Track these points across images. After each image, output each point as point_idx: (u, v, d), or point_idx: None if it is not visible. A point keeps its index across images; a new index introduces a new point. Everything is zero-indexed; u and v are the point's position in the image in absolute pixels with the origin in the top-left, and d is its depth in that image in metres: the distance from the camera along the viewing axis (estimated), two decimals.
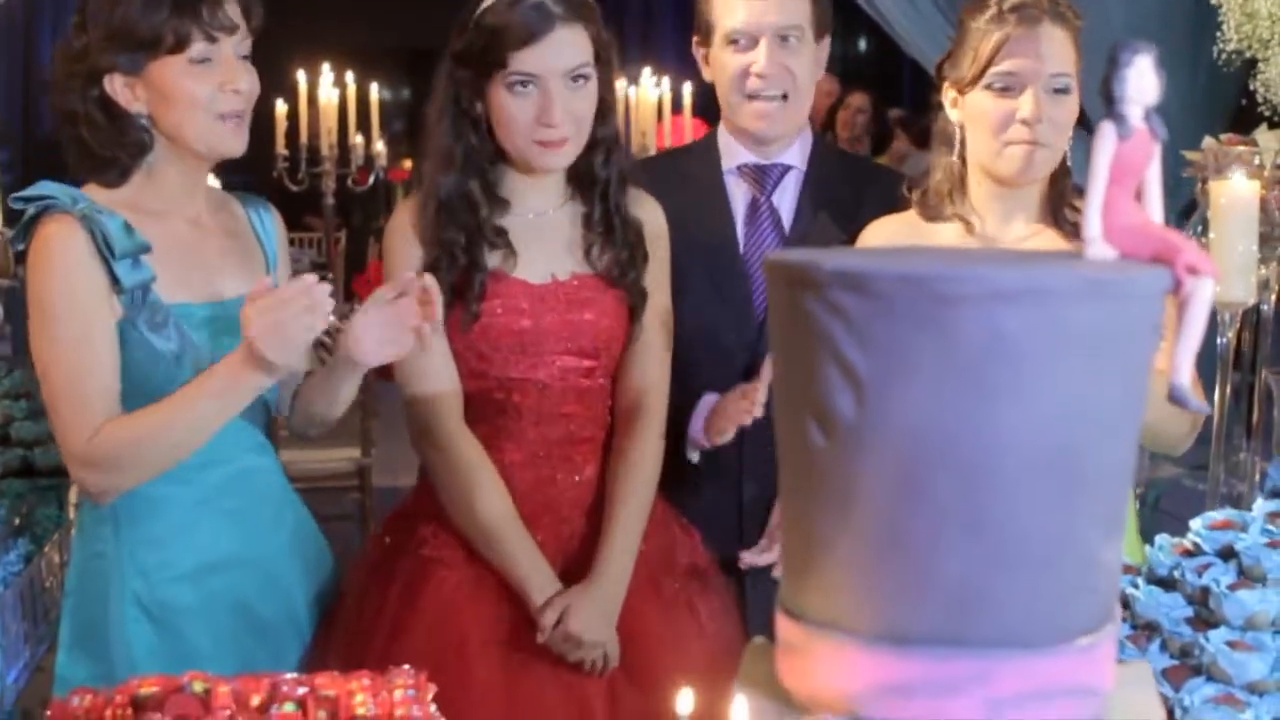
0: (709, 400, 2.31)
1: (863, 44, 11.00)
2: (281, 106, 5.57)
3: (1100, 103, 1.09)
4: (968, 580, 1.01)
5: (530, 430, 2.17)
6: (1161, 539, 1.81)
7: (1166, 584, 1.75)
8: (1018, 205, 2.22)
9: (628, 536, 2.15)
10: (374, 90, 6.30)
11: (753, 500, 2.37)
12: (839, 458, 1.03)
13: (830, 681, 1.06)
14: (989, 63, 2.13)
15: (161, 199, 2.03)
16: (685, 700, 1.16)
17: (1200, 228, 2.26)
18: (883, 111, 7.47)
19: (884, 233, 2.29)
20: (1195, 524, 1.79)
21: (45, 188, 1.94)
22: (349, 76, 5.78)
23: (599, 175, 2.19)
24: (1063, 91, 2.14)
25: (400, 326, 1.93)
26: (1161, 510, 3.32)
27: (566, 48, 2.08)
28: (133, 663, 1.97)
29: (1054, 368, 0.99)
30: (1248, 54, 3.17)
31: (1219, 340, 2.14)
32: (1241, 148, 2.89)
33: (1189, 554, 1.76)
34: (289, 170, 5.59)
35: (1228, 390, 2.21)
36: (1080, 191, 1.87)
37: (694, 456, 2.34)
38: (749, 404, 2.15)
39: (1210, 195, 2.08)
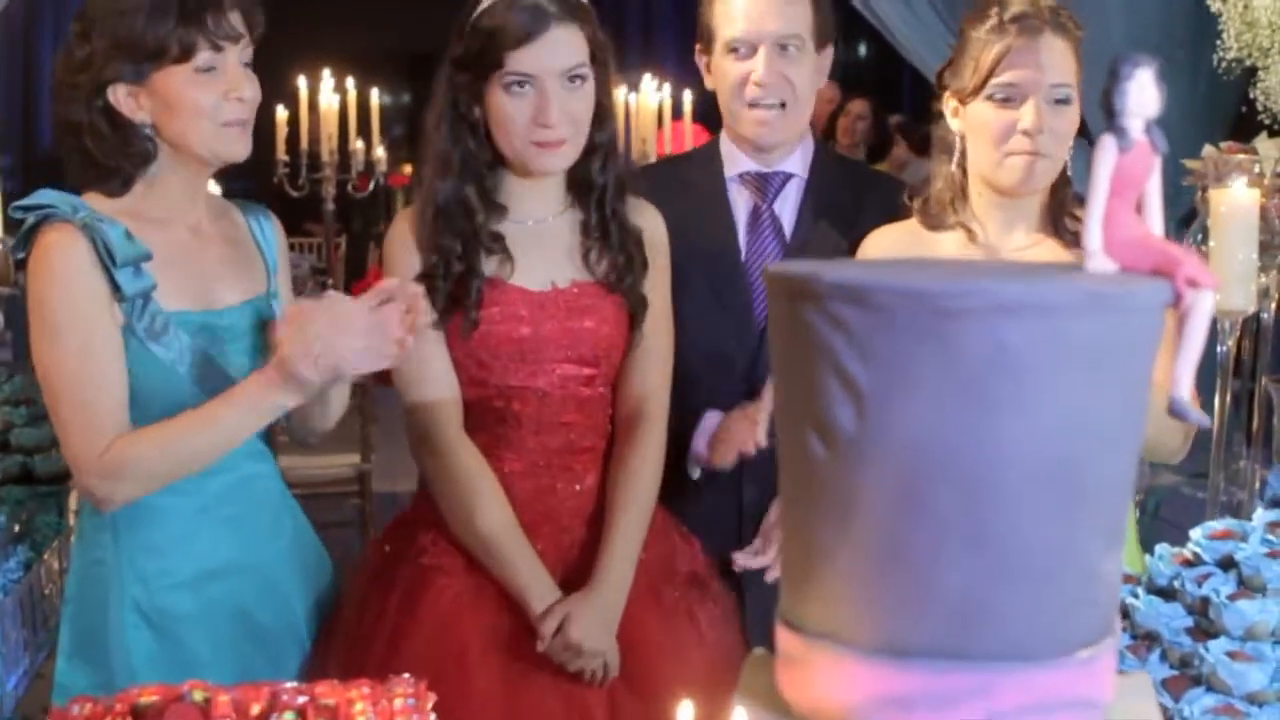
0: (712, 419, 2.32)
1: (863, 50, 11.01)
2: (282, 112, 5.57)
3: (1100, 115, 1.09)
4: (968, 593, 1.01)
5: (530, 439, 2.17)
6: (1161, 548, 1.81)
7: (1166, 594, 1.75)
8: (1018, 215, 2.22)
9: (628, 545, 2.14)
10: (374, 95, 6.30)
11: (752, 505, 2.37)
12: (840, 470, 1.03)
13: (830, 693, 1.06)
14: (990, 73, 2.13)
15: (163, 207, 2.03)
16: (685, 710, 1.16)
17: (1200, 236, 2.26)
18: (883, 118, 7.48)
19: (885, 242, 2.30)
20: (1195, 534, 1.80)
21: (45, 196, 1.94)
22: (349, 82, 5.78)
23: (596, 181, 2.19)
24: (1064, 102, 2.14)
25: (383, 336, 1.90)
26: (1161, 518, 3.32)
27: (562, 47, 2.08)
28: (132, 670, 1.97)
29: (1055, 380, 0.99)
30: (1248, 62, 3.18)
31: (1219, 348, 2.14)
32: (1241, 156, 2.90)
33: (1189, 564, 1.76)
34: (289, 176, 5.59)
35: (1228, 398, 2.22)
36: (1081, 200, 1.87)
37: (695, 473, 2.34)
38: (751, 426, 2.16)
39: (1210, 203, 2.09)
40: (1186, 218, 3.33)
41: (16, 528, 2.43)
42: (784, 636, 1.11)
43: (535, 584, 2.11)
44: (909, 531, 1.01)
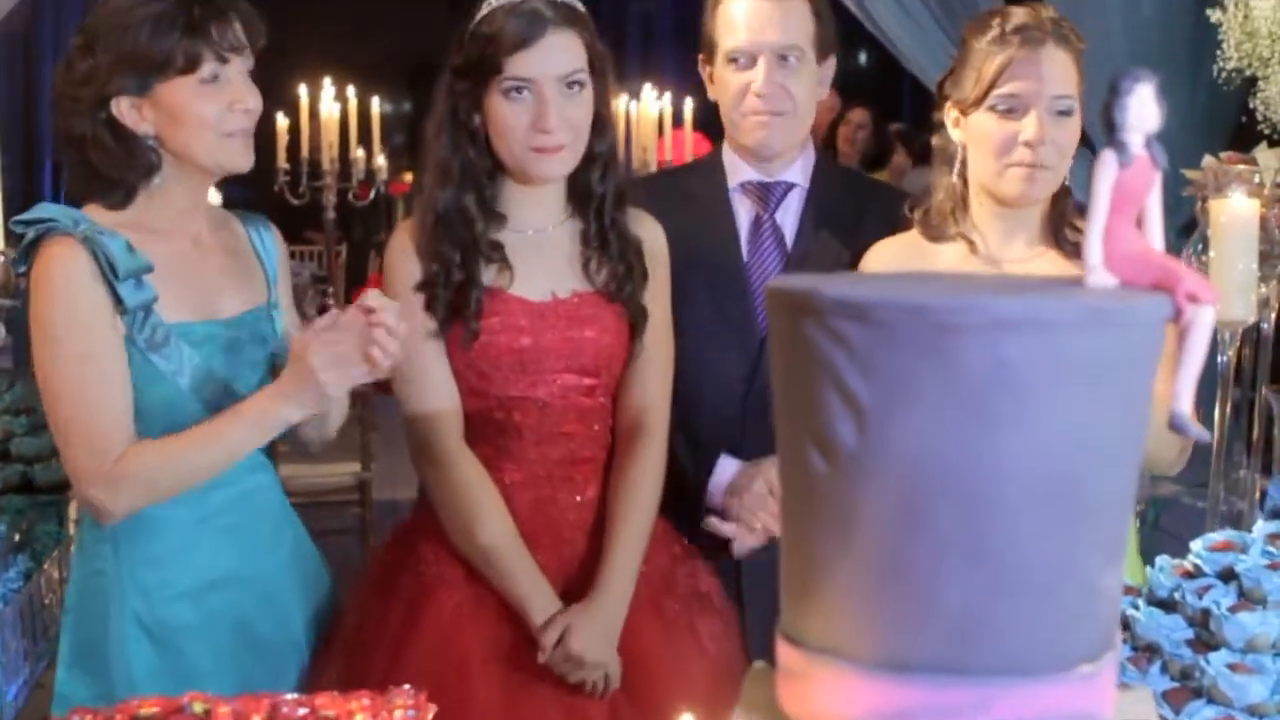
0: (726, 469, 2.33)
1: (863, 59, 11.02)
2: (283, 120, 5.59)
3: (1101, 129, 1.09)
4: (968, 608, 1.01)
5: (531, 450, 2.17)
6: (1162, 560, 1.81)
7: (1167, 606, 1.75)
8: (1019, 225, 2.23)
9: (629, 556, 2.15)
10: (375, 104, 6.32)
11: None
12: (840, 485, 1.03)
13: (831, 708, 1.06)
14: (992, 84, 2.14)
15: (164, 218, 2.03)
16: None
17: (1200, 246, 2.26)
18: (883, 127, 7.48)
19: (886, 255, 2.30)
20: (1195, 545, 1.79)
21: (46, 210, 1.94)
22: (350, 90, 5.80)
23: (596, 190, 2.20)
24: (1065, 113, 2.15)
25: (353, 353, 1.88)
26: (1161, 528, 3.32)
27: (560, 52, 2.09)
28: (132, 681, 1.97)
29: (1055, 396, 0.99)
30: (1248, 72, 3.18)
31: (1219, 358, 2.14)
32: (1241, 166, 2.90)
33: (1189, 575, 1.76)
34: (290, 184, 5.60)
35: (1228, 408, 2.21)
36: (1081, 210, 1.88)
37: (709, 524, 2.31)
38: (772, 518, 2.19)
39: (1210, 213, 2.09)
40: (1186, 227, 3.33)
41: (17, 537, 2.43)
42: (784, 651, 1.11)
43: (536, 595, 2.11)
44: (909, 546, 1.01)
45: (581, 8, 2.15)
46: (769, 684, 1.16)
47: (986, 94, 2.14)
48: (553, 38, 2.08)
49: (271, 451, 2.23)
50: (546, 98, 2.08)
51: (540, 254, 2.19)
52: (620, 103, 5.60)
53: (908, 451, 1.00)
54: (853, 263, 2.37)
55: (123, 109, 1.95)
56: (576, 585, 2.15)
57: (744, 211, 2.50)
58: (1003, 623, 1.01)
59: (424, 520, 2.22)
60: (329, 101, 5.59)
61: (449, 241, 2.14)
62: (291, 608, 2.16)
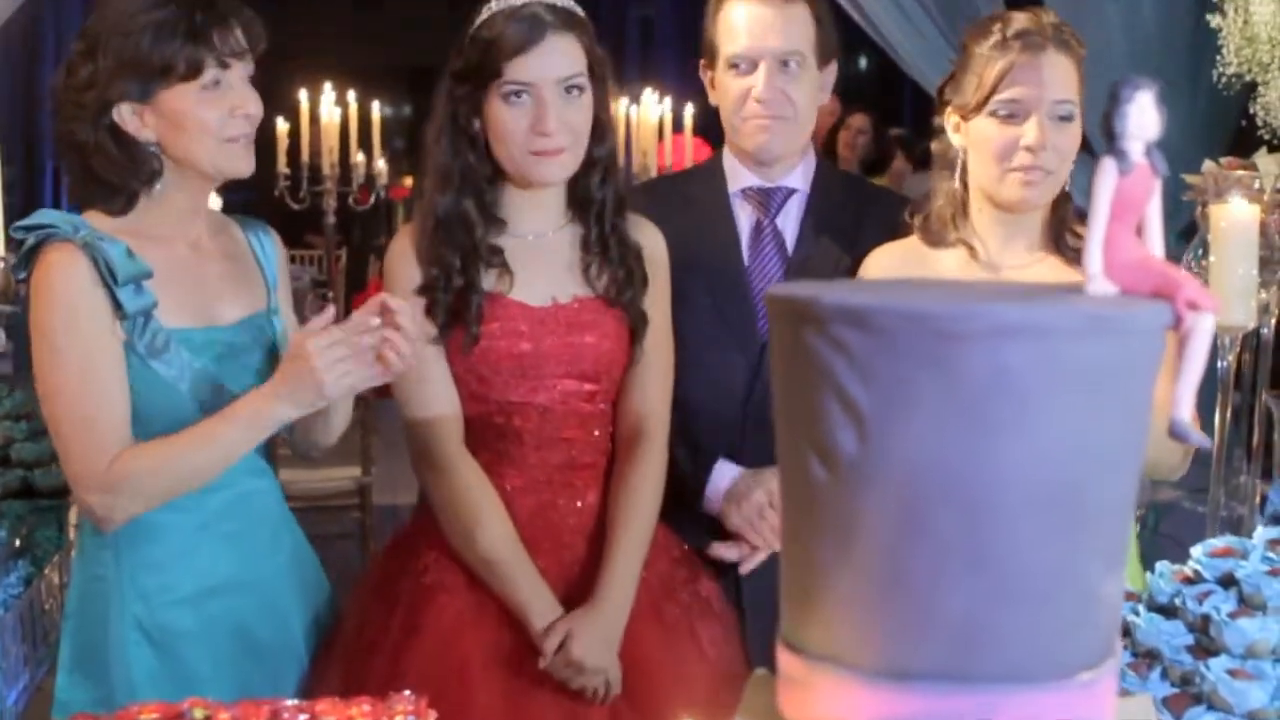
0: (725, 474, 2.34)
1: (863, 63, 11.03)
2: (283, 125, 5.60)
3: (1101, 137, 1.09)
4: (969, 615, 1.01)
5: (531, 455, 2.17)
6: (1162, 566, 1.81)
7: (1167, 611, 1.74)
8: (1020, 231, 2.23)
9: (629, 562, 2.14)
10: (375, 109, 6.33)
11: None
12: (840, 492, 1.03)
13: (832, 715, 1.06)
14: (993, 89, 2.14)
15: (165, 224, 2.03)
16: None
17: (1200, 251, 2.26)
18: (883, 132, 7.49)
19: (887, 261, 2.30)
20: (1196, 551, 1.79)
21: (46, 216, 1.94)
22: (351, 95, 5.80)
23: (596, 195, 2.20)
24: (1066, 119, 2.15)
25: (364, 353, 1.89)
26: (1161, 533, 3.32)
27: (559, 56, 2.10)
28: (132, 686, 1.97)
29: (1055, 403, 0.99)
30: (1248, 77, 3.19)
31: (1219, 363, 2.14)
32: (1241, 171, 2.90)
33: (1189, 581, 1.76)
34: (290, 189, 5.61)
35: (1228, 413, 2.21)
36: (1082, 216, 1.88)
37: (714, 550, 2.34)
38: (774, 533, 2.18)
39: (1210, 219, 2.09)
40: (1186, 233, 3.33)
41: (17, 542, 2.43)
42: (785, 658, 1.11)
43: (537, 601, 2.11)
44: (910, 554, 1.01)
45: (581, 12, 2.16)
46: (770, 691, 1.16)
47: (987, 99, 2.14)
48: (552, 41, 2.09)
49: (271, 456, 2.23)
50: (546, 101, 2.09)
51: (540, 259, 2.19)
52: (620, 107, 5.61)
53: (908, 459, 1.00)
54: (853, 268, 2.37)
55: (124, 115, 1.95)
56: (577, 591, 2.15)
57: (745, 216, 2.50)
58: (1003, 630, 1.01)
59: (424, 525, 2.22)
60: (329, 106, 5.60)
61: (449, 246, 2.14)
62: (291, 613, 2.16)
